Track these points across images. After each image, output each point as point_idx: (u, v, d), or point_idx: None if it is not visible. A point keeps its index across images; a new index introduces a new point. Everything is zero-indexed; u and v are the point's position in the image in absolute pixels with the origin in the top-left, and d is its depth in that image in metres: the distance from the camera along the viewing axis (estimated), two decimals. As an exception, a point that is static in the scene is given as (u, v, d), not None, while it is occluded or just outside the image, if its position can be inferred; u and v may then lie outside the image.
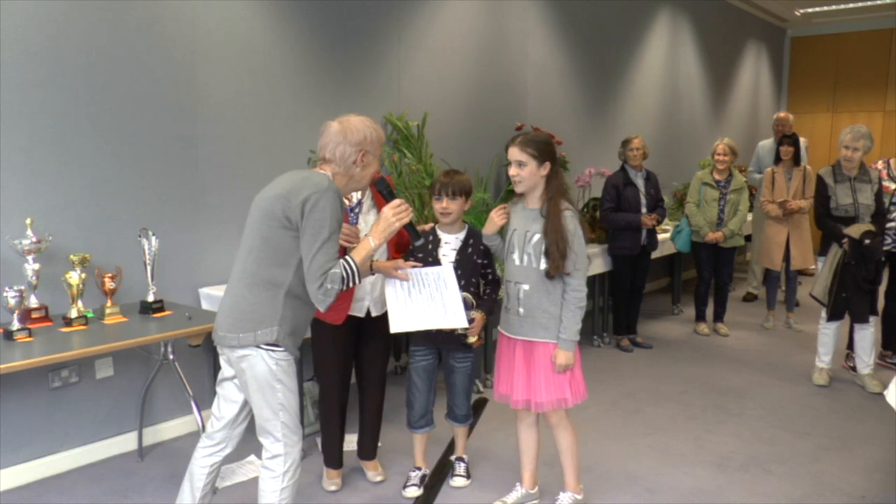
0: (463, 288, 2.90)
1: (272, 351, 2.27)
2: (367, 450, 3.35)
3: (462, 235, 3.07)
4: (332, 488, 3.22)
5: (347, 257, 2.30)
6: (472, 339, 2.99)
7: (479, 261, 3.07)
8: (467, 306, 2.92)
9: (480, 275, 3.10)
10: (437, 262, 3.00)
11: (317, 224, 2.19)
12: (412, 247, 2.95)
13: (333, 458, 3.25)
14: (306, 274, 2.23)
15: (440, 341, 3.07)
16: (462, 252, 3.04)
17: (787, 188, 5.74)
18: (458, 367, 3.14)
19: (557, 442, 2.92)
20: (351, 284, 2.28)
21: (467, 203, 3.05)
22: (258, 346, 2.26)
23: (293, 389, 2.35)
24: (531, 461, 3.05)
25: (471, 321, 2.93)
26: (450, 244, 3.05)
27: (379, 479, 3.31)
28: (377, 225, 2.40)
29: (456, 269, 2.97)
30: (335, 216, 2.22)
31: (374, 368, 3.22)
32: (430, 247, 3.01)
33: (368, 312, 3.09)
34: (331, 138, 2.40)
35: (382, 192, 2.55)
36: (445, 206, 3.00)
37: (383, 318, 3.12)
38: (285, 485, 2.36)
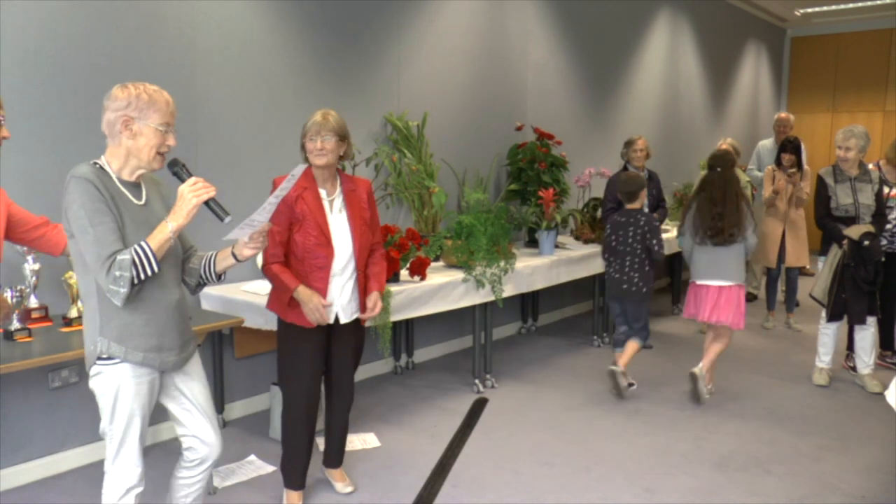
0: None
1: (106, 365, 2.11)
2: (334, 457, 3.10)
3: None
4: None
5: (141, 241, 2.05)
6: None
7: None
8: None
9: None
10: None
11: (74, 219, 2.01)
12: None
13: (296, 478, 2.90)
14: (92, 270, 2.03)
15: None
16: None
17: (787, 186, 5.74)
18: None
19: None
20: (148, 271, 2.03)
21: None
22: (95, 363, 2.12)
23: (128, 412, 2.13)
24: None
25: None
26: None
27: (348, 489, 3.06)
28: (175, 206, 2.13)
29: None
30: (85, 202, 2.00)
31: (344, 371, 3.00)
32: None
33: (337, 319, 2.87)
34: (104, 107, 2.10)
35: (177, 173, 2.18)
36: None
37: (355, 323, 2.95)
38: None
